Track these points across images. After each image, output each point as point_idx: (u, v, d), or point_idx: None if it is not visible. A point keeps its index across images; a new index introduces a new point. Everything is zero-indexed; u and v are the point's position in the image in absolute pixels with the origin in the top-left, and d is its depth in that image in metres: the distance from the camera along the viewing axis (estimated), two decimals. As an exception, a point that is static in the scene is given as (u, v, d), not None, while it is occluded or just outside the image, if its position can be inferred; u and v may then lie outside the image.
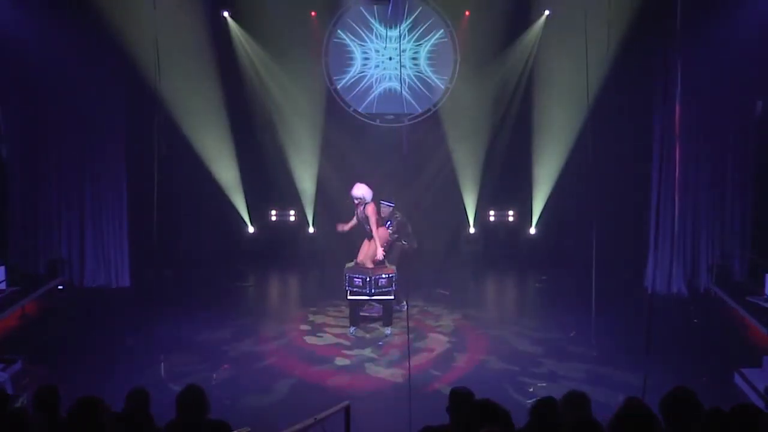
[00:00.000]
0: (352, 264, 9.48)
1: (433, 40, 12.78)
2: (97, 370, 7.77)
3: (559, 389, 5.52)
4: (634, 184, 11.76)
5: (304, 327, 9.55)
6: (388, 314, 9.29)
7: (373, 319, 9.63)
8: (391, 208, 10.00)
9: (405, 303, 9.60)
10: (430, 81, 12.88)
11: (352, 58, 12.86)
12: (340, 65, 12.86)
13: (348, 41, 12.81)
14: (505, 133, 12.76)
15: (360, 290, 9.07)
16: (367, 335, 9.24)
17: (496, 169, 12.84)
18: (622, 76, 10.94)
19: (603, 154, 11.27)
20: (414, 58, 12.87)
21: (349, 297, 9.20)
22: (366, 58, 12.88)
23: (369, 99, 12.93)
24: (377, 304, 9.58)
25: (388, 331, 9.23)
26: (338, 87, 12.87)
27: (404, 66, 12.76)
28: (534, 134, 12.39)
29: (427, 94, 12.90)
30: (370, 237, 9.35)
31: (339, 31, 12.72)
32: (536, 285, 11.92)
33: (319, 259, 12.67)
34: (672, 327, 9.15)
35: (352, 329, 9.28)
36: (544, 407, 3.98)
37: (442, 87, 12.84)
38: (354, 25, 12.74)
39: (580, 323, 9.24)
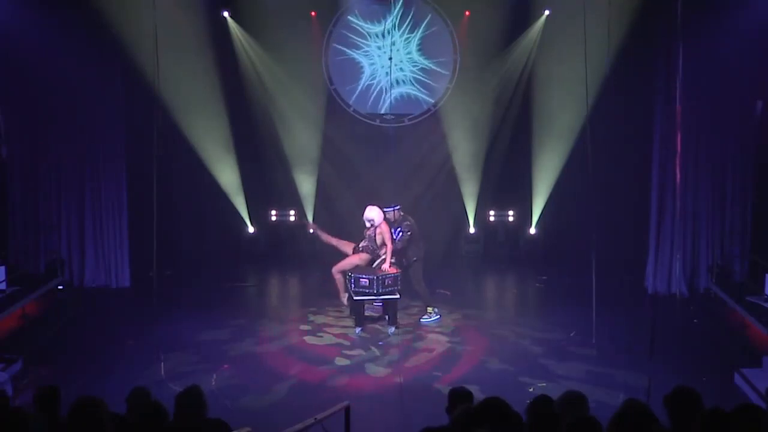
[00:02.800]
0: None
1: (434, 63, 12.79)
2: (97, 370, 7.77)
3: (559, 389, 5.52)
4: (634, 184, 11.76)
5: (304, 327, 9.54)
6: (393, 313, 9.26)
7: (374, 319, 9.62)
8: (398, 210, 9.50)
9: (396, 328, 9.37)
10: (412, 96, 12.90)
11: (361, 70, 12.86)
12: (349, 77, 12.87)
13: (350, 52, 12.81)
14: (505, 133, 12.78)
15: (366, 290, 9.04)
16: (372, 336, 9.20)
17: (496, 169, 12.86)
18: (622, 75, 10.93)
19: (603, 154, 11.28)
20: (408, 53, 12.86)
21: (356, 298, 9.16)
22: (372, 64, 12.88)
23: (352, 85, 12.92)
24: (377, 303, 9.61)
25: (391, 330, 9.20)
26: (351, 102, 12.90)
27: (402, 61, 12.77)
28: (534, 134, 12.41)
29: (403, 104, 12.92)
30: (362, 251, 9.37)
31: (356, 9, 12.65)
32: (536, 285, 11.93)
33: (319, 259, 12.67)
34: (672, 327, 9.14)
35: (358, 330, 9.21)
36: (539, 406, 3.97)
37: (446, 73, 12.81)
38: (350, 35, 12.74)
39: (580, 323, 9.24)
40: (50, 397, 4.18)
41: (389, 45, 12.65)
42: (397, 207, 9.58)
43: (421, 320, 9.62)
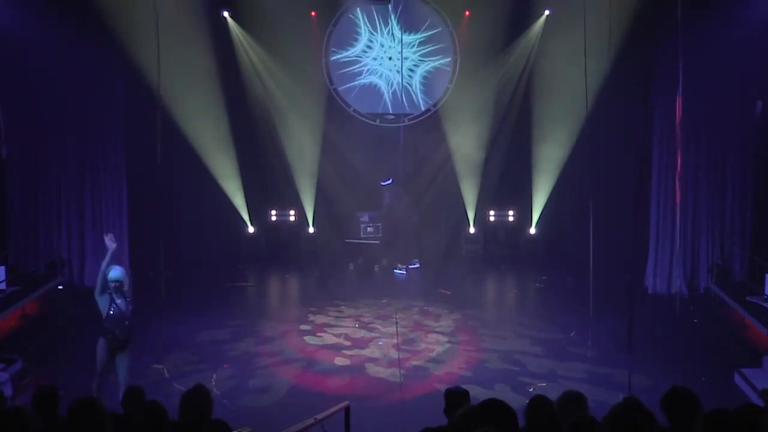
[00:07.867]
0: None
1: (435, 63, 12.81)
2: (96, 370, 7.75)
3: (559, 389, 5.52)
4: (635, 184, 11.74)
5: (304, 327, 9.54)
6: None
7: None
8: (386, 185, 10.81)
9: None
10: (413, 96, 12.93)
11: (357, 39, 12.85)
12: (344, 39, 12.85)
13: (361, 22, 12.78)
14: (505, 133, 12.78)
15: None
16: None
17: (496, 169, 12.86)
18: (622, 75, 10.93)
19: (603, 154, 11.28)
20: (411, 70, 12.88)
21: (346, 240, 11.76)
22: (369, 46, 12.87)
23: (352, 84, 12.94)
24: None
25: (376, 268, 11.41)
26: (331, 59, 12.87)
27: (398, 71, 12.81)
28: (534, 134, 12.40)
29: (405, 104, 12.93)
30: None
31: (358, 9, 12.69)
32: (536, 285, 11.92)
33: (319, 259, 12.67)
34: (672, 327, 9.14)
35: (351, 266, 11.90)
36: (537, 407, 3.96)
37: (422, 108, 12.93)
38: (374, 12, 12.72)
39: (580, 323, 9.24)
40: (49, 397, 4.18)
41: (390, 45, 12.65)
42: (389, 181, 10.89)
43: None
